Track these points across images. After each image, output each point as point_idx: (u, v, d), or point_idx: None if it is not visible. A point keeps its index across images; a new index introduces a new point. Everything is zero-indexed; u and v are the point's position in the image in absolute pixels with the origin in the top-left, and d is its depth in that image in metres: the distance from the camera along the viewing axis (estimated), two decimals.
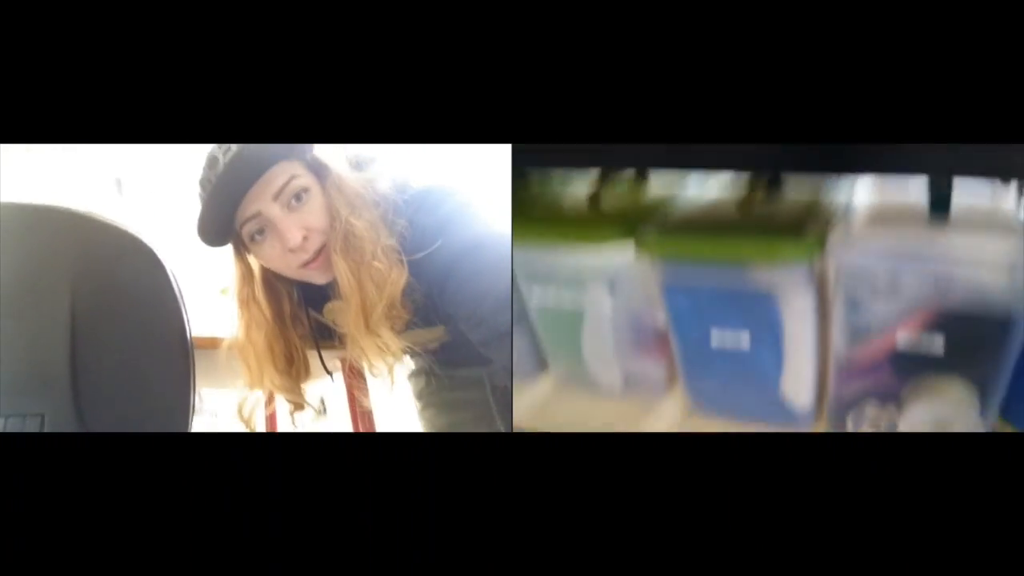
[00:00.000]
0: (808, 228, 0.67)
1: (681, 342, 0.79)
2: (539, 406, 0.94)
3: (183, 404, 0.58)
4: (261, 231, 0.75)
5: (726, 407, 0.84)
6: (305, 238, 0.73)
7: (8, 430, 0.49)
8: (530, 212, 0.79)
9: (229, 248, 0.81)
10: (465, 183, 0.82)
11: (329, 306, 0.85)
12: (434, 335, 0.82)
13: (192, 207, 0.75)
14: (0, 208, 0.54)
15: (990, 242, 0.61)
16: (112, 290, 0.55)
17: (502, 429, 0.96)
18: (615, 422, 0.88)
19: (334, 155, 0.78)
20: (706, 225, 0.71)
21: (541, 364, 0.97)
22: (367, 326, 0.75)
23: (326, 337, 0.88)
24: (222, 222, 0.74)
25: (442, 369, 0.81)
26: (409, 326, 0.78)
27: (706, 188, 0.89)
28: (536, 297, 0.84)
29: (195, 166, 0.75)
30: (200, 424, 0.60)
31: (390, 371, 0.79)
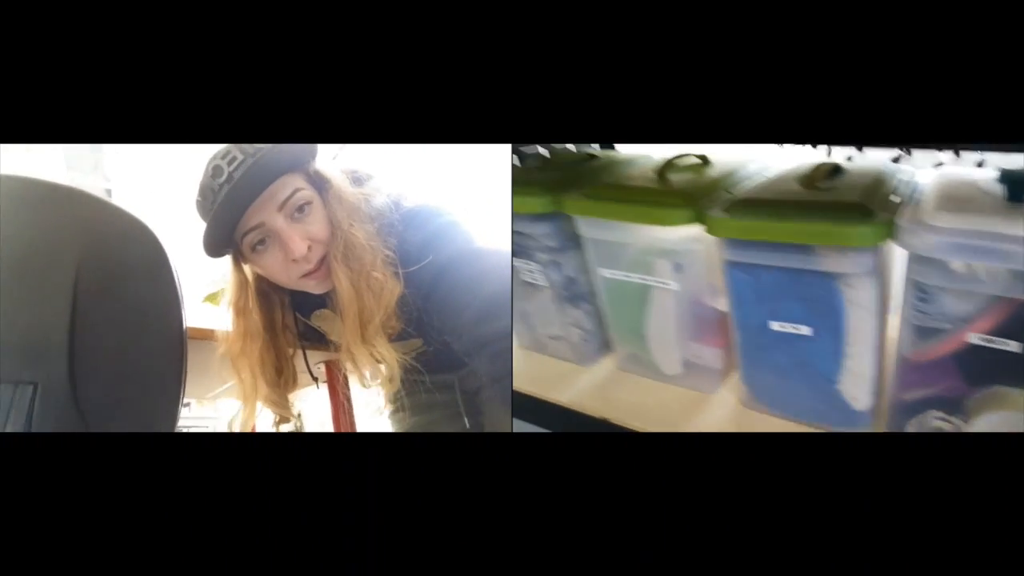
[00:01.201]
0: (876, 211, 0.60)
1: (741, 325, 0.73)
2: (600, 387, 0.90)
3: (174, 388, 0.54)
4: (263, 241, 0.69)
5: (781, 402, 0.77)
6: (309, 248, 0.69)
7: None
8: (601, 193, 0.77)
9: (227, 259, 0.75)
10: (452, 202, 0.78)
11: (318, 313, 0.80)
12: (412, 347, 0.77)
13: (189, 210, 0.71)
14: (15, 180, 0.50)
15: None
16: (116, 270, 0.51)
17: (469, 427, 0.91)
18: (672, 409, 0.83)
19: (334, 169, 0.74)
20: (772, 206, 0.65)
21: (605, 346, 0.93)
22: (363, 337, 0.70)
23: (312, 340, 0.83)
24: (226, 233, 0.69)
25: (416, 375, 0.74)
26: (398, 336, 0.74)
27: (771, 168, 0.84)
28: (606, 276, 0.81)
29: (189, 171, 0.70)
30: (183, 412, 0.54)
31: (387, 381, 0.73)
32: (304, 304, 0.80)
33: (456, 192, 0.86)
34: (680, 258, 0.75)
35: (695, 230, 0.71)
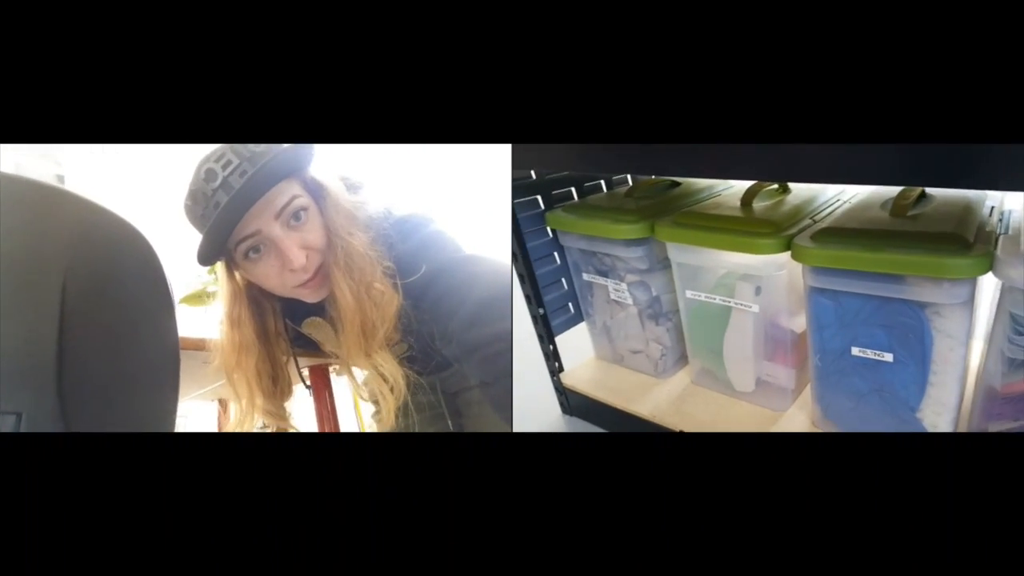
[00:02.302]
0: (973, 241, 0.56)
1: (821, 349, 0.70)
2: (675, 400, 0.87)
3: (169, 407, 0.47)
4: (257, 249, 0.62)
5: (855, 426, 0.72)
6: (307, 257, 0.62)
7: None
8: (692, 220, 0.76)
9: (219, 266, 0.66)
10: (446, 207, 0.71)
11: (309, 320, 0.73)
12: (398, 351, 0.71)
13: (153, 200, 0.64)
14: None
15: None
16: (106, 280, 0.42)
17: (452, 429, 0.84)
18: (744, 425, 0.80)
19: (331, 176, 0.67)
20: (862, 235, 0.62)
21: (682, 359, 0.91)
22: (366, 351, 0.63)
23: (301, 345, 0.75)
24: (222, 240, 0.61)
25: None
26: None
27: (848, 193, 0.80)
28: (689, 297, 0.80)
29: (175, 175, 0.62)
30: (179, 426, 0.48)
31: (389, 395, 0.65)
32: (295, 311, 0.72)
33: (452, 196, 0.80)
34: (761, 282, 0.73)
35: (778, 256, 0.69)
